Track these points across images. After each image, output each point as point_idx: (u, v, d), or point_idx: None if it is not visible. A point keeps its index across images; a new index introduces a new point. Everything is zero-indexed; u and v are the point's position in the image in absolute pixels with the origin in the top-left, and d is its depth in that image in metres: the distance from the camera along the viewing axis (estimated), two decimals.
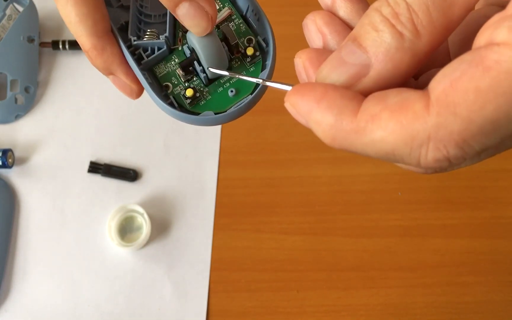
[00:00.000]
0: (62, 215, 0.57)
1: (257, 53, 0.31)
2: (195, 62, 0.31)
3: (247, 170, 0.59)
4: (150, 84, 0.31)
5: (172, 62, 0.32)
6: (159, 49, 0.32)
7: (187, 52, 0.32)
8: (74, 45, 0.61)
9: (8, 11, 0.60)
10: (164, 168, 0.59)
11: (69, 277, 0.56)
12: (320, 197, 0.58)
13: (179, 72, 0.31)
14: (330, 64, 0.21)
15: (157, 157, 0.59)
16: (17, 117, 0.59)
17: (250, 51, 0.31)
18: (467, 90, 0.18)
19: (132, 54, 0.31)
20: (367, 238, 0.57)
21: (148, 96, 0.31)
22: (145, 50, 0.31)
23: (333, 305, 0.55)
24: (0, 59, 0.59)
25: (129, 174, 0.58)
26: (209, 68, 0.30)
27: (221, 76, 0.31)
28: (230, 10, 0.33)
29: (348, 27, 0.24)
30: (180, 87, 0.31)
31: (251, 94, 0.30)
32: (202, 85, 0.31)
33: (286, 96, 0.22)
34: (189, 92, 0.31)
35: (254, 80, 0.30)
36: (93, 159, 0.58)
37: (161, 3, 0.29)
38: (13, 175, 0.58)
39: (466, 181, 0.59)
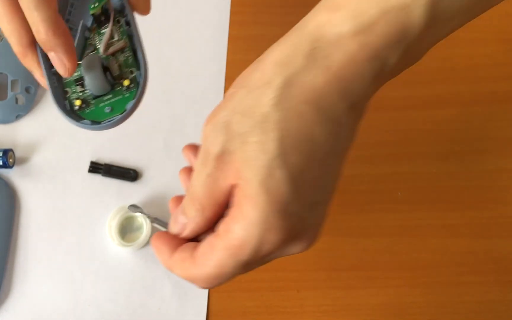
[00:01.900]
0: (63, 215, 0.57)
1: (132, 85, 0.40)
2: (85, 81, 0.40)
3: None
4: (55, 87, 0.40)
5: (75, 74, 0.41)
6: None
7: (82, 72, 0.40)
8: None
9: None
10: (164, 168, 0.59)
11: (70, 277, 0.56)
12: None
13: (76, 84, 0.41)
14: (172, 220, 0.37)
15: (158, 157, 0.59)
16: (18, 117, 0.60)
17: (126, 82, 0.40)
18: (205, 258, 0.34)
19: (47, 61, 0.39)
20: (367, 238, 0.57)
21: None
22: None
23: (333, 304, 0.55)
24: (0, 59, 0.59)
25: (129, 174, 0.58)
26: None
27: (104, 95, 0.40)
28: (125, 44, 0.41)
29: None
30: (75, 95, 0.41)
31: (121, 114, 0.39)
32: (91, 98, 0.40)
33: (152, 237, 0.37)
34: (78, 102, 0.40)
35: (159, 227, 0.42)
36: (94, 159, 0.59)
37: (81, 20, 0.40)
38: (14, 175, 0.58)
39: (466, 181, 0.59)
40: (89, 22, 0.41)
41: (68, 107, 0.40)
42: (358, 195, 0.58)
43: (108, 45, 0.41)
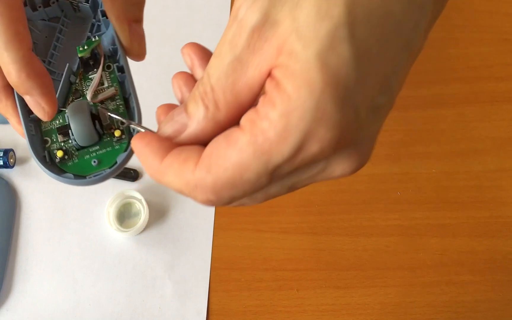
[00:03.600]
0: (63, 215, 0.58)
1: (123, 136, 0.36)
2: (70, 130, 0.35)
3: None
4: (33, 135, 0.36)
5: (56, 122, 0.36)
6: None
7: (66, 119, 0.36)
8: None
9: None
10: None
11: (70, 276, 0.56)
12: (320, 197, 0.58)
13: (58, 133, 0.36)
14: (166, 119, 0.30)
15: None
16: None
17: (117, 133, 0.36)
18: (218, 156, 0.26)
19: (25, 106, 0.35)
20: (367, 238, 0.57)
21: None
22: None
23: (333, 304, 0.55)
24: None
25: (129, 174, 0.58)
26: (110, 114, 0.36)
27: (90, 146, 0.36)
28: (115, 91, 0.37)
29: None
30: (56, 145, 0.36)
31: (110, 168, 0.35)
32: (74, 149, 0.36)
33: (131, 140, 0.30)
34: (60, 153, 0.35)
35: (120, 118, 0.36)
36: None
37: (66, 63, 0.36)
38: (15, 175, 0.58)
39: (465, 181, 0.59)
40: (75, 66, 0.38)
41: (47, 158, 0.36)
42: (358, 195, 0.58)
43: (96, 92, 0.37)
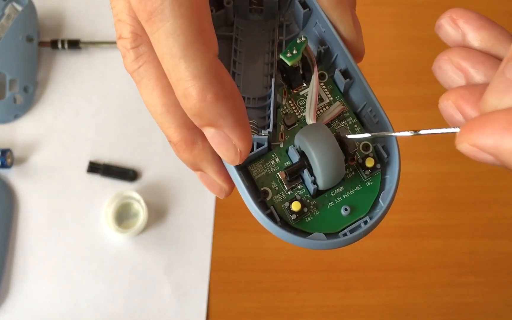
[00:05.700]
0: (61, 215, 0.57)
1: (378, 165, 0.27)
2: (305, 170, 0.26)
3: None
4: (247, 187, 0.26)
5: (272, 162, 0.27)
6: (258, 145, 0.26)
7: (294, 156, 0.26)
8: (73, 44, 0.60)
9: (7, 11, 0.59)
10: (163, 168, 0.58)
11: (68, 278, 0.56)
12: None
13: (282, 176, 0.26)
14: (497, 90, 0.20)
15: (157, 157, 0.59)
16: (16, 117, 0.59)
17: (370, 162, 0.26)
18: None
19: None
20: (367, 239, 0.56)
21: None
22: None
23: (333, 306, 0.55)
24: None
25: (128, 174, 0.58)
26: (346, 136, 0.26)
27: (331, 189, 0.26)
28: (342, 106, 0.28)
29: (490, 55, 0.23)
30: (281, 195, 0.26)
31: (367, 215, 0.26)
32: (308, 196, 0.26)
33: (458, 138, 0.21)
34: (296, 206, 0.26)
35: (405, 134, 0.25)
36: (92, 159, 0.58)
37: (256, 84, 0.27)
38: (12, 175, 0.58)
39: (467, 181, 0.59)
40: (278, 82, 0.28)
41: (276, 216, 0.26)
42: None
43: (318, 112, 0.27)
